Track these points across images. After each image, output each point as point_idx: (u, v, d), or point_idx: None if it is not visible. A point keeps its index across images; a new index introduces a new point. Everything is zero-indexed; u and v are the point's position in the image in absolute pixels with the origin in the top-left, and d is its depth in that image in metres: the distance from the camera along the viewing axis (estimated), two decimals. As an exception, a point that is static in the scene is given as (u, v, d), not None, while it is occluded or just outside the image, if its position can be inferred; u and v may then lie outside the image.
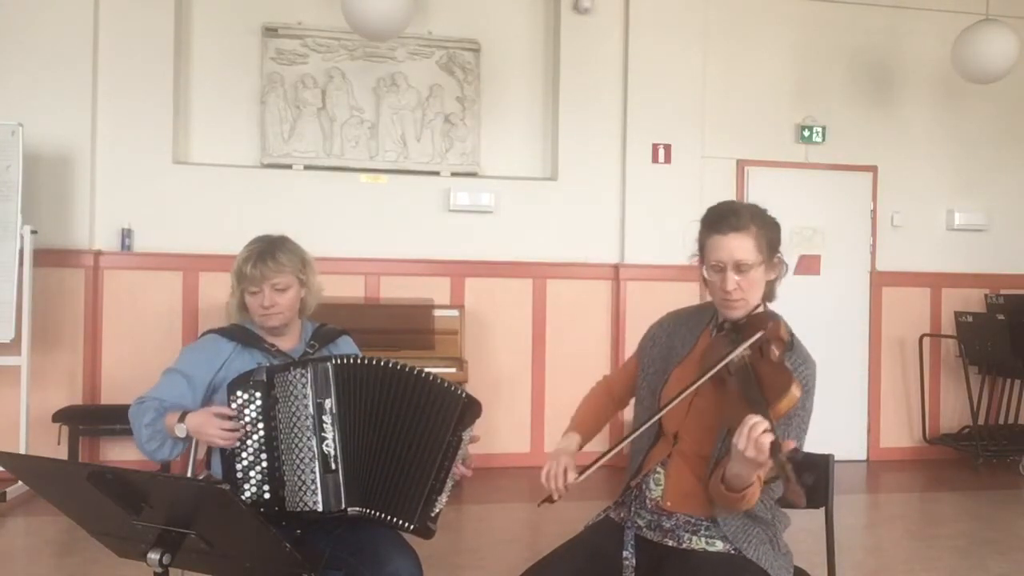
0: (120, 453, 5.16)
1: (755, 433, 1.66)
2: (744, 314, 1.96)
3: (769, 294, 2.02)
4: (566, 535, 2.14)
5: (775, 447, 1.66)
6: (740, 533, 1.93)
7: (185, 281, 5.36)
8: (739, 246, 1.92)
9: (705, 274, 1.99)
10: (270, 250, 2.32)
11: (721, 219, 1.95)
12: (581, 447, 2.16)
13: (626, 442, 1.99)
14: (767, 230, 1.97)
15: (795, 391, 1.77)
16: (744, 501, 1.83)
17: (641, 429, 1.98)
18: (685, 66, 5.89)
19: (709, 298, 2.09)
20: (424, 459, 2.13)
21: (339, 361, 2.16)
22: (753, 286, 1.94)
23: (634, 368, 2.22)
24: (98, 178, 5.33)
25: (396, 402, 2.14)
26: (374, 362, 2.17)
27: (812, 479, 1.65)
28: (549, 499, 1.98)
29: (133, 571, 2.28)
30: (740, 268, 1.92)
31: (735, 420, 1.73)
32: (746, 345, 1.85)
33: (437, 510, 2.18)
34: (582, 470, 1.97)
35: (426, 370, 2.17)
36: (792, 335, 1.95)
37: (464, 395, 2.16)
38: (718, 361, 1.86)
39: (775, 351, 1.85)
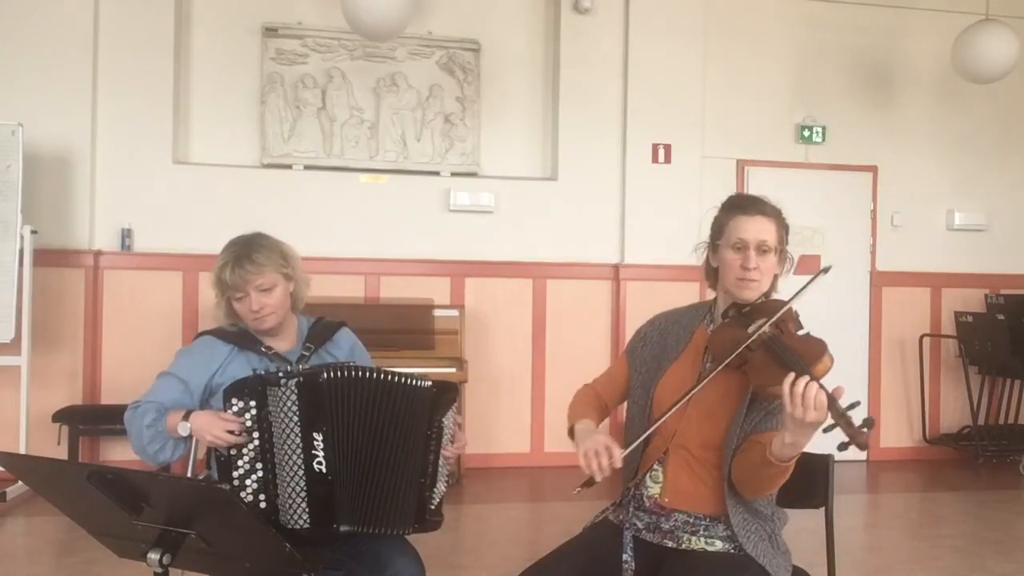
0: (120, 453, 5.17)
1: (810, 393, 1.68)
2: (756, 297, 1.98)
3: (773, 287, 2.04)
4: (566, 535, 2.13)
5: (831, 400, 1.67)
6: (741, 528, 1.94)
7: (185, 281, 5.36)
8: (765, 228, 1.99)
9: (723, 254, 2.02)
10: (246, 252, 2.24)
11: (749, 202, 2.03)
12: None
13: (659, 422, 1.94)
14: (784, 224, 2.06)
15: (828, 359, 1.78)
16: (785, 475, 1.83)
17: (663, 419, 1.93)
18: (685, 66, 5.89)
19: (710, 295, 2.12)
20: (409, 464, 2.11)
21: (329, 375, 2.08)
22: (769, 270, 1.99)
23: (621, 372, 2.21)
24: (98, 178, 5.32)
25: (373, 412, 2.10)
26: (360, 374, 2.11)
27: (871, 423, 1.66)
28: (590, 482, 1.86)
29: (133, 571, 2.28)
30: (761, 249, 1.97)
31: (771, 383, 1.75)
32: (772, 320, 1.87)
33: (437, 501, 2.18)
34: (626, 446, 1.91)
35: (389, 371, 2.14)
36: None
37: (431, 386, 2.14)
38: (735, 343, 1.86)
39: (792, 328, 1.87)
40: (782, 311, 1.88)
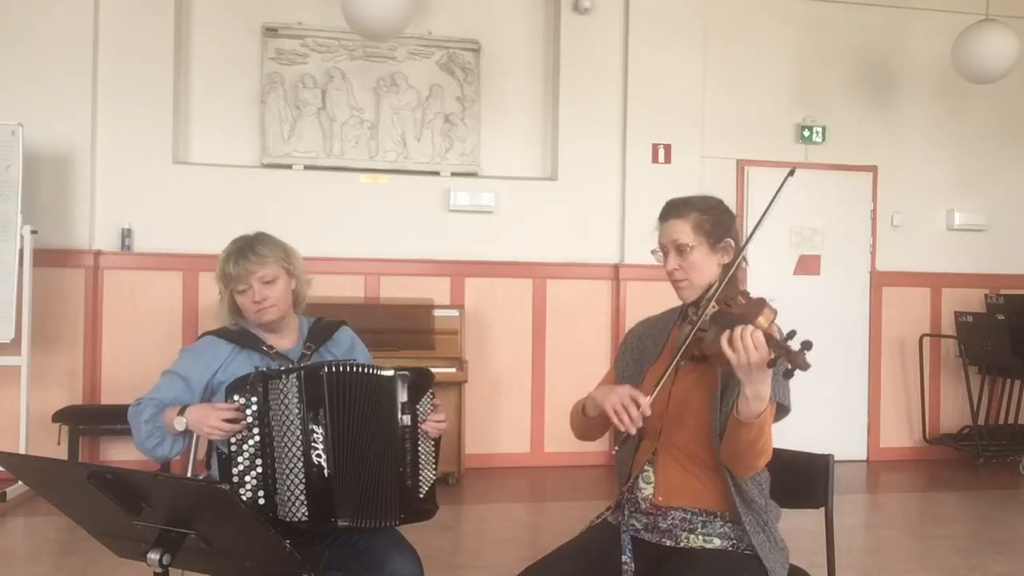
0: (120, 453, 5.16)
1: (745, 337, 1.73)
2: (695, 295, 2.03)
3: (729, 278, 2.03)
4: (566, 535, 2.14)
5: (767, 335, 1.72)
6: (736, 516, 1.95)
7: (185, 281, 5.36)
8: (676, 229, 2.05)
9: (656, 261, 2.11)
10: (249, 245, 2.30)
11: (666, 207, 2.11)
12: None
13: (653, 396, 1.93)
14: (711, 215, 2.07)
15: (769, 310, 1.82)
16: (763, 434, 1.83)
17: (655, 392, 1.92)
18: (685, 66, 5.89)
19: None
20: (391, 454, 2.14)
21: (330, 369, 2.11)
22: (694, 267, 2.03)
23: (610, 382, 2.23)
24: (98, 178, 5.33)
25: (365, 405, 2.13)
26: (357, 369, 2.15)
27: (810, 345, 1.69)
28: (627, 436, 1.89)
29: (133, 571, 2.28)
30: (679, 250, 2.03)
31: (722, 351, 1.78)
32: (712, 300, 1.92)
33: (425, 489, 2.19)
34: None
35: (375, 364, 2.19)
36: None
37: (396, 374, 2.18)
38: (688, 333, 1.92)
39: (741, 300, 1.91)
40: (719, 286, 1.94)
